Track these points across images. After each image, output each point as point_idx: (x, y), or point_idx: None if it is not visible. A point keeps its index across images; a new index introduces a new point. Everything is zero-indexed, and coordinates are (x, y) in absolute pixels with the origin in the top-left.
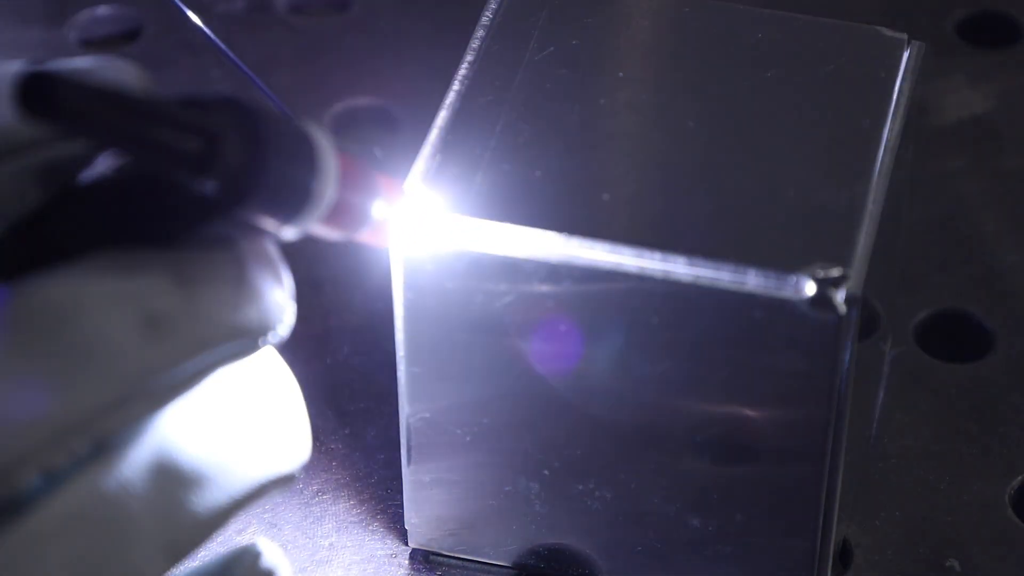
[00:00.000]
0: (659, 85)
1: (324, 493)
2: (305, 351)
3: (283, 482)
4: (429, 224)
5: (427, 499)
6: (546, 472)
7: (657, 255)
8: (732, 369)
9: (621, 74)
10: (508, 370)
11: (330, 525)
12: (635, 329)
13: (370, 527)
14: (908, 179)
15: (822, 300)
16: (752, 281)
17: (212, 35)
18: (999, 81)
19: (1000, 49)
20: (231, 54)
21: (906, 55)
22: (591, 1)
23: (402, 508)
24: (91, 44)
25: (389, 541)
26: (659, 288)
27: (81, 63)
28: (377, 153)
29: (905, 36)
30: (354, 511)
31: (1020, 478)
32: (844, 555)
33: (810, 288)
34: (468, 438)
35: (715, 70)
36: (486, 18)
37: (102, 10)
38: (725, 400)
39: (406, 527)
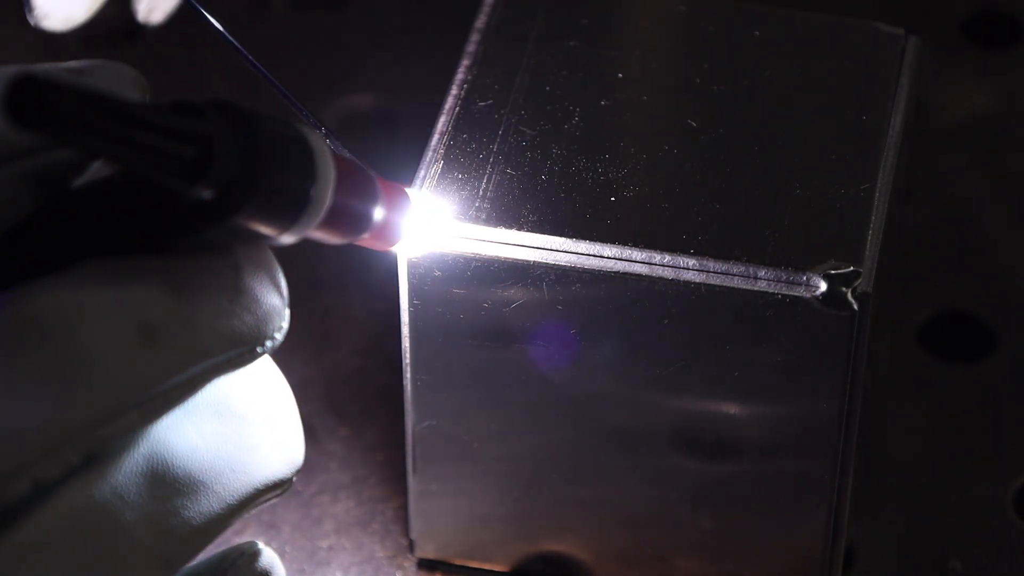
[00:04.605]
0: (658, 85)
1: (323, 494)
2: (304, 351)
3: (278, 488)
4: (435, 231)
5: (432, 508)
6: (555, 476)
7: (667, 256)
8: (744, 368)
9: (620, 75)
10: (516, 376)
11: (329, 526)
12: (645, 331)
13: (369, 528)
14: (909, 176)
15: (835, 297)
16: (763, 280)
17: (227, 33)
18: (1003, 80)
19: (1005, 48)
20: (246, 52)
21: (904, 50)
22: (585, 2)
23: (402, 509)
24: (90, 43)
25: (388, 542)
26: (669, 289)
27: (75, 66)
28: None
29: (902, 31)
30: (353, 512)
31: (1022, 479)
32: (846, 556)
33: (823, 285)
34: (475, 445)
35: (714, 68)
36: (480, 21)
37: (101, 9)
38: (737, 399)
39: (412, 537)
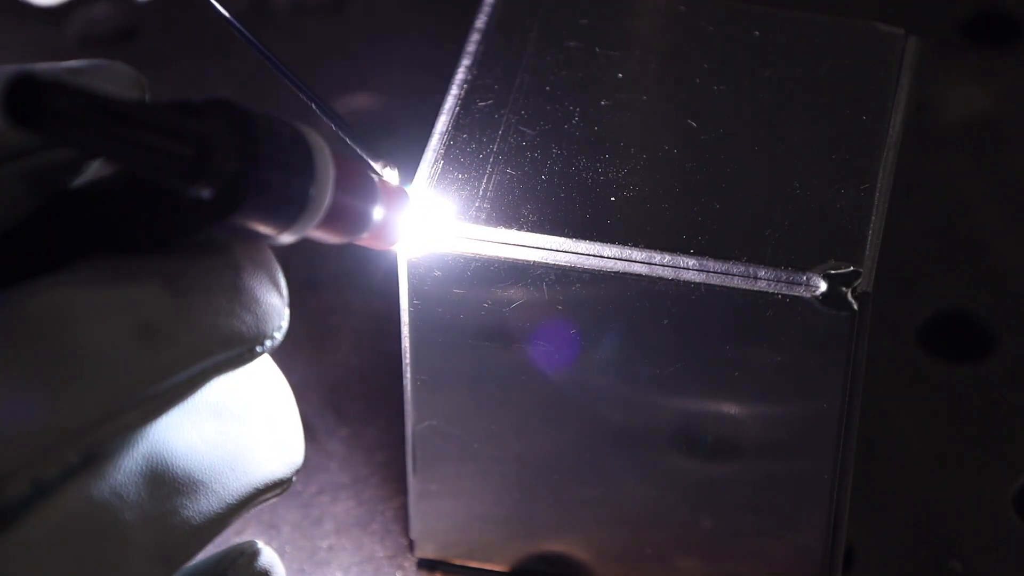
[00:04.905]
0: (658, 85)
1: (323, 494)
2: (304, 351)
3: (278, 487)
4: (435, 231)
5: (432, 508)
6: (555, 477)
7: (667, 256)
8: (744, 368)
9: (620, 75)
10: (516, 376)
11: (329, 526)
12: (645, 332)
13: (369, 528)
14: (909, 177)
15: (835, 297)
16: (763, 280)
17: (241, 28)
18: (1003, 80)
19: (1004, 48)
20: (258, 43)
21: (904, 50)
22: (586, 2)
23: (402, 509)
24: (90, 43)
25: (388, 542)
26: (669, 290)
27: (74, 66)
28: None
29: (902, 31)
30: (353, 512)
31: (1022, 479)
32: (846, 556)
33: (823, 285)
34: (475, 445)
35: (713, 69)
36: (480, 21)
37: (100, 9)
38: (737, 399)
39: (412, 537)
